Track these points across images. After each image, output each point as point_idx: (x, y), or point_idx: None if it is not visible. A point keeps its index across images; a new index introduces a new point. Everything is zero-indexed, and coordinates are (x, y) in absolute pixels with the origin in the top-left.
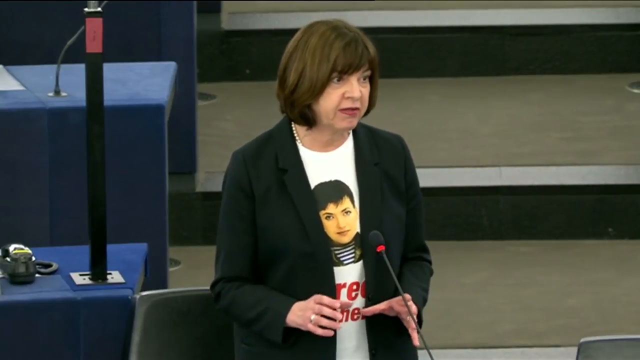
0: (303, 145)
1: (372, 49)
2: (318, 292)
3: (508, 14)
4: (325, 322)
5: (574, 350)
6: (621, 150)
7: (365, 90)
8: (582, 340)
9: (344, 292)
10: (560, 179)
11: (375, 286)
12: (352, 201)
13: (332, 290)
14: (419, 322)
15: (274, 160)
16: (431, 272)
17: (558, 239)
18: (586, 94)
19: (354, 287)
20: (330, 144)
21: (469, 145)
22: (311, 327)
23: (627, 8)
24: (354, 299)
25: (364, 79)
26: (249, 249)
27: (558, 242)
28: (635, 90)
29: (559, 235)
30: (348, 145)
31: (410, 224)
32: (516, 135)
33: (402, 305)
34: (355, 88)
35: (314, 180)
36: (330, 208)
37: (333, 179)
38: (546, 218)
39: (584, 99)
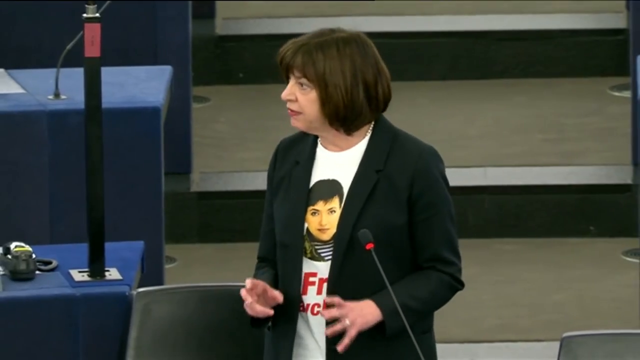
0: (321, 143)
1: (302, 60)
2: (290, 282)
3: (494, 20)
4: (258, 309)
5: (557, 344)
6: (603, 151)
7: (304, 97)
8: (565, 335)
9: (325, 287)
10: (544, 179)
11: (340, 284)
12: (341, 202)
13: (299, 282)
14: (386, 327)
15: (298, 153)
16: (448, 284)
17: (542, 237)
18: (569, 97)
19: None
20: (337, 144)
21: (456, 146)
22: (249, 312)
23: (609, 14)
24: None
25: (303, 86)
26: (274, 233)
27: (542, 240)
28: (616, 93)
29: (543, 234)
30: (360, 147)
31: (421, 234)
32: (501, 137)
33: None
34: (286, 89)
35: (317, 176)
36: (319, 205)
37: (332, 178)
38: (530, 217)
39: (567, 102)
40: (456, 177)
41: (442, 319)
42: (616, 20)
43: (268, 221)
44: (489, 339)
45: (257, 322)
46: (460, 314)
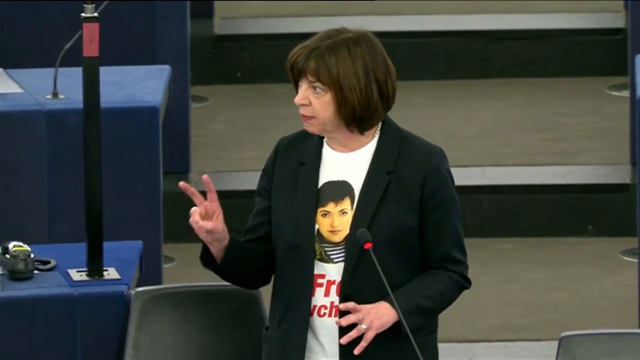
0: (328, 143)
1: (315, 64)
2: (299, 284)
3: (492, 19)
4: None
5: (555, 344)
6: (600, 150)
7: (318, 101)
8: (563, 334)
9: (333, 289)
10: (542, 179)
11: (353, 286)
12: (352, 203)
13: (310, 283)
14: (401, 329)
15: (301, 153)
16: (457, 283)
17: (539, 236)
18: (567, 97)
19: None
20: (346, 145)
21: (454, 146)
22: (199, 234)
23: (606, 13)
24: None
25: (317, 90)
26: (258, 229)
27: (539, 240)
28: (614, 93)
29: (541, 233)
30: (369, 148)
31: (432, 234)
32: (499, 136)
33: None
34: (299, 93)
35: (325, 177)
36: (330, 206)
37: (341, 179)
38: (528, 216)
39: (565, 101)
40: (454, 176)
41: (441, 318)
42: (614, 19)
43: (256, 216)
44: (488, 338)
45: (208, 259)
46: (459, 314)
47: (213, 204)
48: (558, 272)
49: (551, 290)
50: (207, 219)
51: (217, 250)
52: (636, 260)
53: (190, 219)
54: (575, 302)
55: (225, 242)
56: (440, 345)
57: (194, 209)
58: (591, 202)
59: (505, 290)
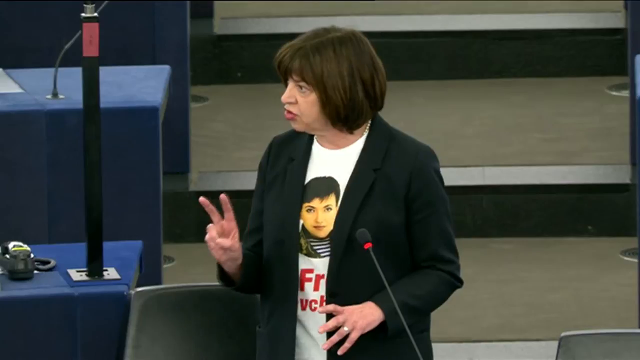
0: (317, 141)
1: (299, 63)
2: (285, 279)
3: (491, 19)
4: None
5: (555, 344)
6: (600, 150)
7: (304, 100)
8: (563, 334)
9: (322, 283)
10: (542, 179)
11: (338, 282)
12: (337, 199)
13: (296, 279)
14: (388, 327)
15: (292, 150)
16: (448, 282)
17: (540, 236)
18: (566, 97)
19: None
20: (334, 143)
21: (453, 145)
22: (214, 252)
23: (606, 13)
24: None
25: (302, 89)
26: (260, 230)
27: (540, 240)
28: (614, 93)
29: (541, 233)
30: (357, 146)
31: (419, 233)
32: (499, 136)
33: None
34: (286, 92)
35: (312, 174)
36: (315, 202)
37: (328, 175)
38: (528, 216)
39: (565, 101)
40: (454, 176)
41: (441, 318)
42: (614, 19)
43: (256, 218)
44: (488, 338)
45: (227, 279)
46: (459, 314)
47: (230, 223)
48: (558, 272)
49: (551, 290)
50: (223, 237)
51: (231, 269)
52: (636, 260)
53: (207, 236)
54: (575, 302)
55: (240, 261)
56: (440, 345)
57: (210, 225)
58: (591, 202)
59: (505, 290)
